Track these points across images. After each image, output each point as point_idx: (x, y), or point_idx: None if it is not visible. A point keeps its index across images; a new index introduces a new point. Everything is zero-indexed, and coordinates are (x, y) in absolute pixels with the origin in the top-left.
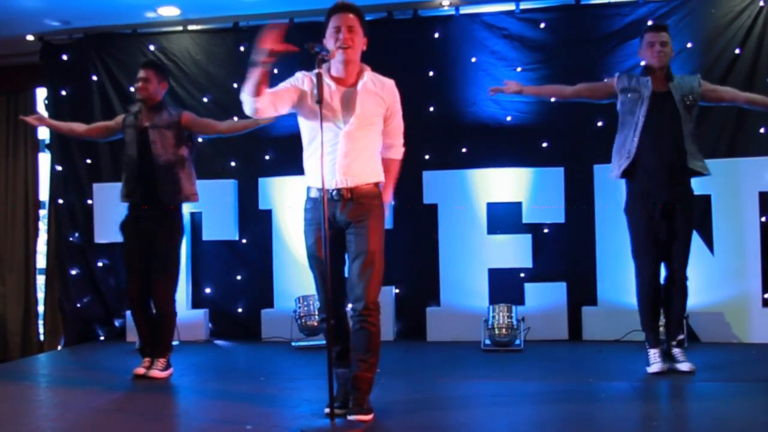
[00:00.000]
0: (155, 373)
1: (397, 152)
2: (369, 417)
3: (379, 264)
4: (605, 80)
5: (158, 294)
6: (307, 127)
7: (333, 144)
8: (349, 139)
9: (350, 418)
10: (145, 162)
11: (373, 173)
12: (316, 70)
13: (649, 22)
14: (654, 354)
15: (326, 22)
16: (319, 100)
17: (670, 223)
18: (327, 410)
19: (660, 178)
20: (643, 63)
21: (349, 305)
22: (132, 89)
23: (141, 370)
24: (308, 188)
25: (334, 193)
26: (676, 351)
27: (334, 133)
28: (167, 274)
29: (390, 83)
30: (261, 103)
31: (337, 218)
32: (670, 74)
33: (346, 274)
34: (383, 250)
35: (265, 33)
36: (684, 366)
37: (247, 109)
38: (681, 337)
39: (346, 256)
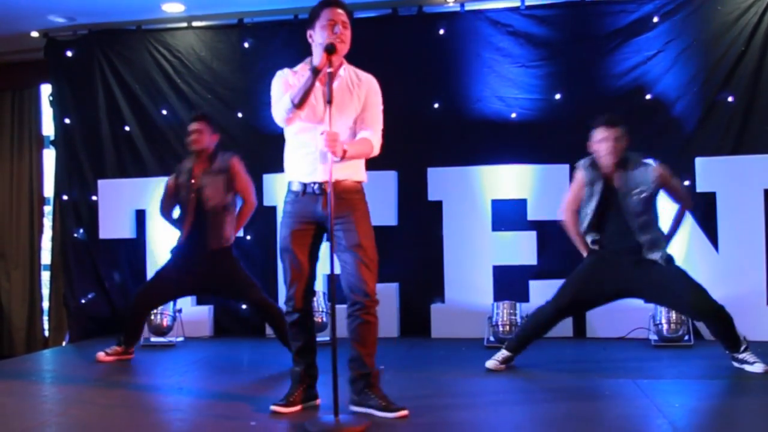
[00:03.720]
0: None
1: (371, 138)
2: (407, 411)
3: (372, 256)
4: (575, 177)
5: (261, 305)
6: (293, 124)
7: (313, 140)
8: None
9: (392, 415)
10: (196, 208)
11: (356, 171)
12: (329, 69)
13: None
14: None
15: (315, 14)
16: (329, 100)
17: (642, 286)
18: (273, 407)
19: (620, 261)
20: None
21: (349, 300)
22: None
23: (102, 355)
24: (290, 183)
25: (315, 187)
26: (743, 355)
27: (314, 129)
28: (253, 292)
29: (366, 77)
30: (299, 115)
31: (317, 214)
32: (625, 165)
33: (316, 271)
34: (374, 244)
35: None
36: (755, 367)
37: (282, 118)
38: (744, 345)
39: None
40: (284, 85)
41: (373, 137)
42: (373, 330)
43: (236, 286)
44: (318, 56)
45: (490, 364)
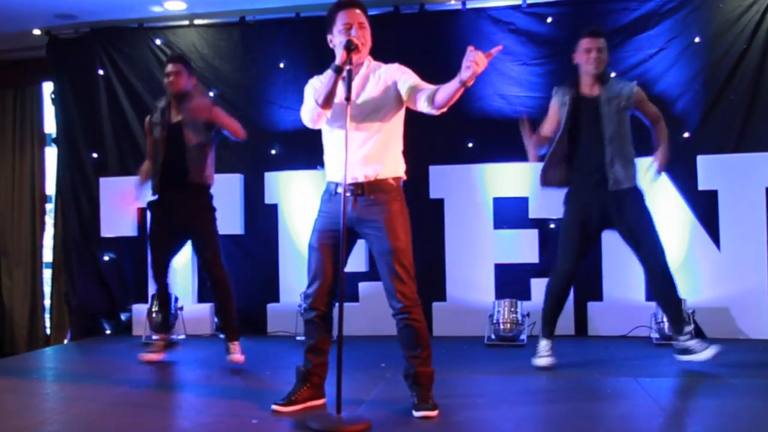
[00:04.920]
0: (237, 357)
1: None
2: (435, 413)
3: (403, 260)
4: (551, 105)
5: (214, 269)
6: (324, 125)
7: (344, 139)
8: (358, 131)
9: (417, 414)
10: (175, 148)
11: (388, 168)
12: (348, 67)
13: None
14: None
15: (331, 18)
16: (348, 97)
17: (615, 222)
18: (274, 406)
19: (589, 180)
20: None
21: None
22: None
23: (150, 356)
24: (328, 183)
25: (348, 187)
26: (690, 343)
27: (343, 129)
28: (215, 251)
29: (389, 65)
30: (325, 114)
31: (348, 215)
32: (605, 79)
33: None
34: (409, 244)
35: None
36: (706, 353)
37: (308, 118)
38: (688, 328)
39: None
40: (312, 89)
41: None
42: (415, 333)
43: (204, 232)
44: (339, 56)
45: (544, 362)
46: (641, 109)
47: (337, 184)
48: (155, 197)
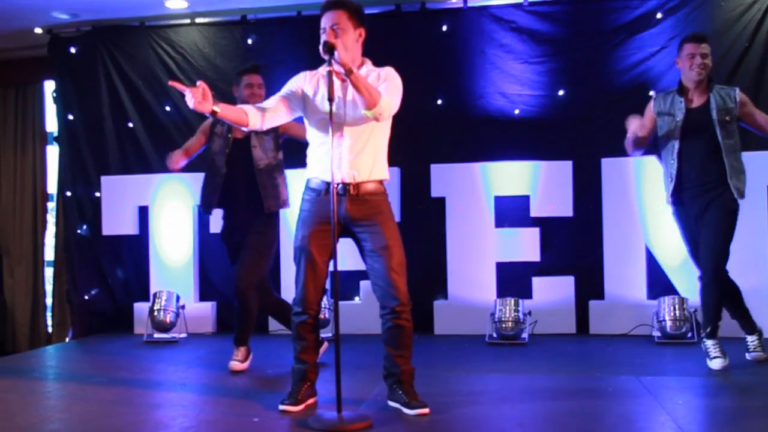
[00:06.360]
0: (234, 365)
1: (382, 92)
2: (428, 410)
3: (400, 258)
4: (647, 108)
5: (238, 282)
6: (312, 122)
7: (338, 138)
8: (352, 132)
9: (411, 413)
10: (239, 168)
11: (379, 170)
12: (328, 68)
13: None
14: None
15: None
16: (330, 98)
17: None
18: (282, 407)
19: (697, 191)
20: (682, 76)
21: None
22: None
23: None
24: (309, 179)
25: (340, 187)
26: (705, 344)
27: (338, 128)
28: (251, 267)
29: (384, 69)
30: (251, 124)
31: (339, 215)
32: (710, 87)
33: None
34: (402, 245)
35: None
36: (714, 363)
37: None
38: (706, 332)
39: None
40: (290, 84)
41: (383, 92)
42: (405, 333)
43: (248, 248)
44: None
45: (754, 356)
46: (745, 114)
47: (328, 184)
48: (223, 224)
